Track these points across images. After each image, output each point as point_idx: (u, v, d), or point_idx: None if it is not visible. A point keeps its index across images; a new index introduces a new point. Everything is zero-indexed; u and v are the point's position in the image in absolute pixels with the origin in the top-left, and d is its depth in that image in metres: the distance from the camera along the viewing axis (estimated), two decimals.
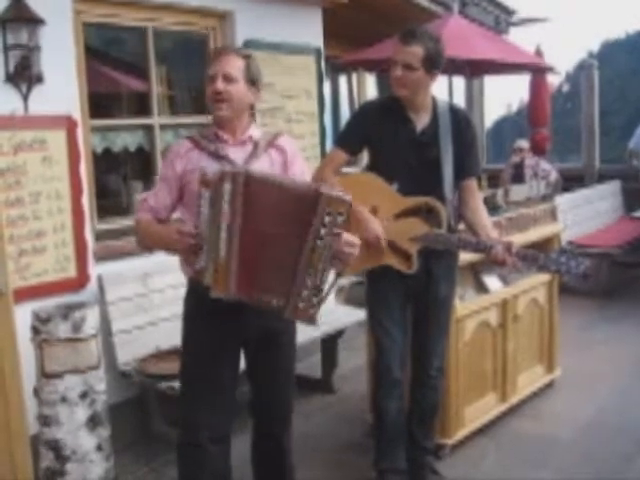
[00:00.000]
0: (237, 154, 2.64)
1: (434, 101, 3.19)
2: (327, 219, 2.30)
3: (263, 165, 2.63)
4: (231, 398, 2.73)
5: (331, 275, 2.43)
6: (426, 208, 3.12)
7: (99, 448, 3.37)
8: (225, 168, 2.39)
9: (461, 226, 3.50)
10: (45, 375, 3.26)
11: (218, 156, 2.62)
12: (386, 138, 3.17)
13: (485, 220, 3.21)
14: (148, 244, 2.73)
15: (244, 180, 2.35)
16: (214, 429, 2.66)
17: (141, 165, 4.92)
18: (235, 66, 2.62)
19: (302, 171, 2.77)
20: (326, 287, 2.39)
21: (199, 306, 2.64)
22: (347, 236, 2.40)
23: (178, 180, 2.65)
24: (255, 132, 2.72)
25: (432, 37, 3.08)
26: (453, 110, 3.25)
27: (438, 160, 3.16)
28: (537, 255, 2.93)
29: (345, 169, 3.43)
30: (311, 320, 2.42)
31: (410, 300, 3.32)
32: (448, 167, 3.16)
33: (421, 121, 3.19)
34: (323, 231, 2.31)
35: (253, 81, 2.67)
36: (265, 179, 2.39)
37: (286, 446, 2.90)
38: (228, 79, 2.60)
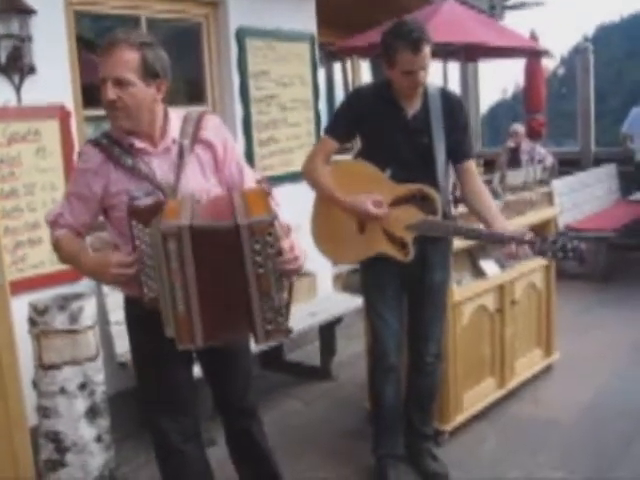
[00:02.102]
0: (162, 167, 2.38)
1: (425, 86, 3.17)
2: (257, 246, 2.15)
3: (194, 170, 2.42)
4: (191, 397, 2.65)
5: (285, 287, 2.33)
6: (420, 195, 3.10)
7: (99, 439, 3.37)
8: (168, 206, 2.21)
9: (459, 209, 3.51)
10: (43, 367, 3.26)
11: (140, 175, 2.34)
12: (377, 125, 3.15)
13: (493, 207, 3.18)
14: (73, 267, 2.53)
15: (189, 234, 2.13)
16: (182, 430, 2.60)
17: None
18: (127, 65, 2.25)
19: (237, 162, 2.56)
20: (284, 300, 2.29)
21: (141, 316, 2.44)
22: (285, 251, 2.28)
23: (98, 201, 2.41)
24: (175, 129, 2.42)
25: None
26: (444, 94, 3.23)
27: (430, 146, 3.14)
28: (534, 240, 2.92)
29: (339, 157, 3.41)
30: (285, 334, 2.33)
31: (405, 286, 3.32)
32: (441, 153, 3.15)
33: (412, 107, 3.16)
34: (259, 258, 2.16)
35: (154, 75, 2.32)
36: (208, 226, 2.17)
37: (257, 436, 2.81)
38: (120, 84, 2.26)
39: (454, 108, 3.21)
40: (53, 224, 2.49)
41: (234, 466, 2.91)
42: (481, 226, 3.23)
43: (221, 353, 2.61)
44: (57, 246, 2.49)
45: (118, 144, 2.37)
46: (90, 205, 2.43)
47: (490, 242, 3.29)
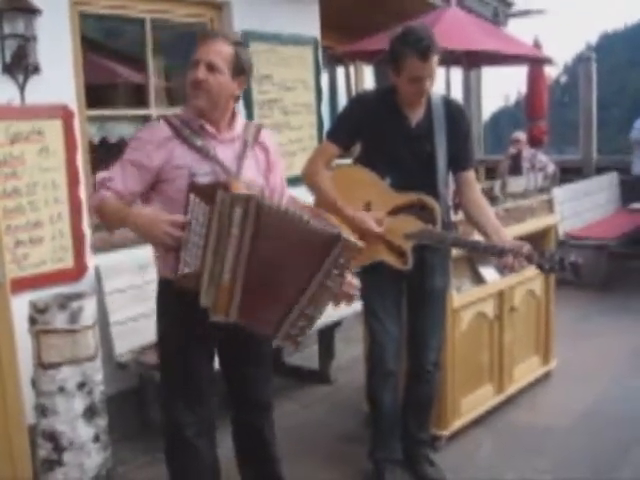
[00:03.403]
0: (226, 153, 2.52)
1: (428, 94, 3.16)
2: (340, 261, 2.33)
3: (250, 166, 2.57)
4: (211, 392, 2.70)
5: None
6: (419, 204, 3.11)
7: (96, 438, 3.38)
8: (232, 183, 2.34)
9: (459, 216, 3.51)
10: (42, 365, 3.27)
11: (207, 155, 2.48)
12: (379, 132, 3.14)
13: (492, 218, 3.18)
14: (118, 225, 2.52)
15: (256, 206, 2.29)
16: (198, 424, 2.64)
17: None
18: (221, 54, 2.46)
19: (282, 178, 2.74)
20: (318, 318, 2.42)
21: (172, 305, 2.55)
22: (350, 278, 2.48)
23: (153, 171, 2.47)
24: (240, 127, 2.61)
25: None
26: (447, 102, 3.23)
27: (432, 154, 3.14)
28: (532, 253, 2.90)
29: (339, 161, 3.40)
30: (296, 346, 2.46)
31: (405, 292, 3.32)
32: (442, 161, 3.15)
33: (416, 115, 3.16)
34: (335, 271, 2.34)
35: (241, 71, 2.52)
36: (277, 209, 2.34)
37: (267, 435, 2.85)
38: (211, 68, 2.44)
39: (457, 116, 3.21)
40: (100, 185, 2.51)
41: (238, 466, 2.92)
42: (477, 236, 3.24)
43: (244, 342, 2.65)
44: (100, 205, 2.48)
45: (188, 125, 2.50)
46: (144, 175, 2.48)
47: (488, 254, 3.28)
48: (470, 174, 3.28)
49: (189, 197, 2.32)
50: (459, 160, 3.23)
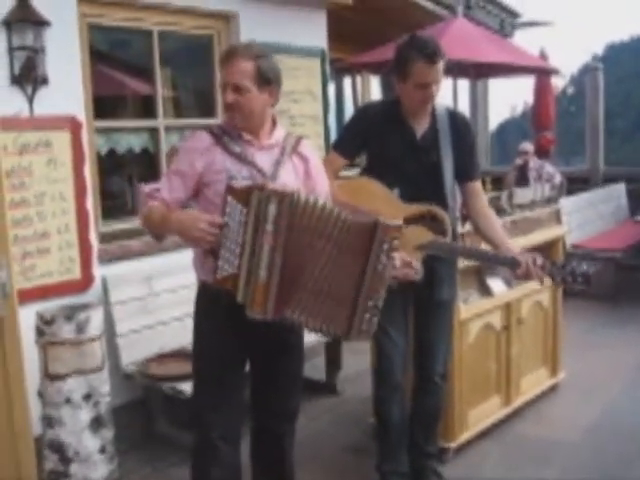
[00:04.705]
0: (263, 159, 2.60)
1: (433, 105, 3.16)
2: (385, 246, 2.38)
3: (289, 172, 2.63)
4: (241, 398, 2.74)
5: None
6: (430, 216, 3.10)
7: (103, 450, 3.37)
8: (268, 184, 2.40)
9: (466, 227, 3.50)
10: (49, 376, 3.27)
11: (245, 160, 2.57)
12: (386, 143, 3.14)
13: (500, 229, 3.18)
14: (162, 231, 2.62)
15: (290, 202, 2.36)
16: (226, 429, 2.68)
17: (146, 167, 4.93)
18: (244, 73, 2.53)
19: (326, 185, 2.81)
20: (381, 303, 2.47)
21: (210, 308, 2.63)
22: (403, 256, 2.57)
23: (196, 178, 2.58)
24: (280, 135, 2.68)
25: None
26: (452, 114, 3.24)
27: (439, 165, 3.13)
28: (544, 264, 2.89)
29: (345, 172, 3.40)
30: (369, 336, 2.52)
31: (412, 303, 3.31)
32: (448, 173, 3.15)
33: (421, 126, 3.16)
34: (383, 257, 2.39)
35: (266, 82, 2.57)
36: (313, 203, 2.40)
37: (287, 446, 2.90)
38: (237, 89, 2.53)
39: (462, 129, 3.21)
40: (149, 196, 2.62)
41: (253, 473, 2.94)
42: (483, 246, 3.23)
43: (277, 350, 2.71)
44: (147, 214, 2.60)
45: (228, 134, 2.62)
46: (187, 182, 2.59)
47: (499, 265, 3.28)
48: (477, 185, 3.28)
49: (226, 199, 2.39)
50: (465, 171, 3.22)
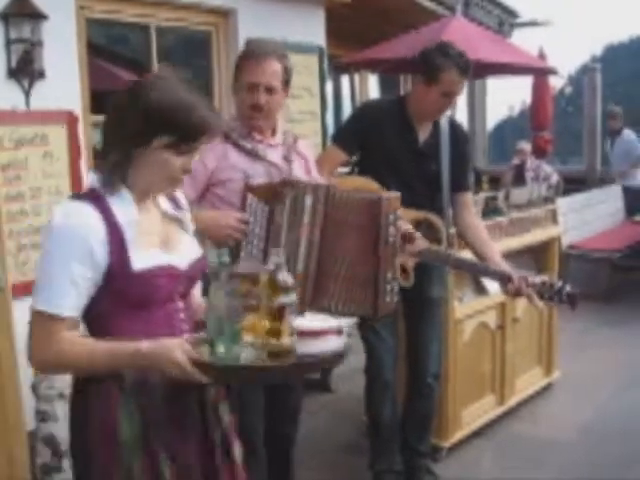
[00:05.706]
0: (274, 156, 2.61)
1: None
2: (391, 217, 2.46)
3: (298, 168, 2.67)
4: (260, 399, 2.75)
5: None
6: (426, 223, 3.09)
7: None
8: (294, 179, 2.46)
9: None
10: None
11: (257, 156, 2.56)
12: (386, 143, 3.11)
13: (489, 242, 3.18)
14: None
15: (325, 194, 2.39)
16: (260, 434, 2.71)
17: None
18: (276, 74, 2.52)
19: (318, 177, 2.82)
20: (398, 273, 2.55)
21: None
22: (403, 223, 2.64)
23: (208, 176, 2.54)
24: (281, 133, 2.69)
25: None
26: (453, 125, 3.26)
27: (438, 173, 3.14)
28: (535, 281, 2.85)
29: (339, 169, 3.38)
30: (393, 306, 2.56)
31: (403, 302, 3.29)
32: (447, 182, 3.17)
33: (424, 132, 3.16)
34: (391, 229, 2.45)
35: (288, 82, 2.59)
36: (341, 193, 2.45)
37: (293, 441, 2.98)
38: (270, 91, 2.52)
39: (461, 140, 3.24)
40: None
41: None
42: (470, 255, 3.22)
43: None
44: None
45: (236, 131, 2.59)
46: (198, 182, 2.53)
47: (491, 278, 3.22)
48: (468, 196, 3.29)
49: (247, 197, 2.41)
50: (459, 182, 3.24)
